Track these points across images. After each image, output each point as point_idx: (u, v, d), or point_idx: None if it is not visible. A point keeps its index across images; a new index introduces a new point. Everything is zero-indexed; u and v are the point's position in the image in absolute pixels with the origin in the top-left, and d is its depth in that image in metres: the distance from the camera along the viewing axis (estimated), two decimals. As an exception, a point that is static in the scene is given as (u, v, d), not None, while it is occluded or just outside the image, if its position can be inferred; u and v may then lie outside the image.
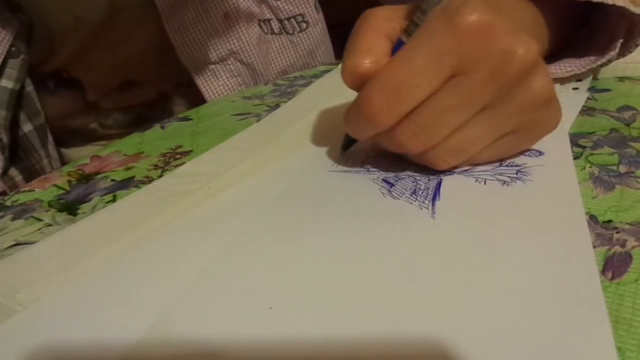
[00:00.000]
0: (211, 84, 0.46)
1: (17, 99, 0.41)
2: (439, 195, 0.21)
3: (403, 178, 0.23)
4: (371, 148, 0.27)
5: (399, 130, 0.21)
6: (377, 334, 0.15)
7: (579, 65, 0.32)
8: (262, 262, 0.18)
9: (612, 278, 0.16)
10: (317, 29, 0.50)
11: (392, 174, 0.24)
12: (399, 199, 0.22)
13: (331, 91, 0.38)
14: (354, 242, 0.19)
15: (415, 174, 0.23)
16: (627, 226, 0.19)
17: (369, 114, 0.21)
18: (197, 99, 0.48)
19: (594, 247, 0.18)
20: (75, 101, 0.47)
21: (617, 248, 0.18)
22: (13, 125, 0.42)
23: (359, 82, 0.22)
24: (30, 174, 0.44)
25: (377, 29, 0.22)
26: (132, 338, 0.15)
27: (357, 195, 0.22)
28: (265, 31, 0.48)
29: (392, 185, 0.23)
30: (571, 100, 0.30)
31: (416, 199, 0.21)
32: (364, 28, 0.22)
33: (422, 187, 0.22)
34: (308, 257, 0.18)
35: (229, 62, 0.46)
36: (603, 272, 0.16)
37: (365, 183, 0.23)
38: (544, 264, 0.17)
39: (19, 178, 0.43)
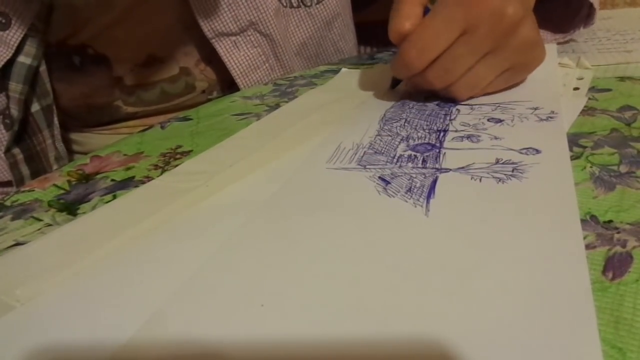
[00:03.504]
0: (233, 55, 0.48)
1: (32, 78, 0.42)
2: (433, 193, 0.21)
3: (399, 176, 0.23)
4: (411, 87, 0.34)
5: (428, 73, 0.30)
6: (370, 331, 0.14)
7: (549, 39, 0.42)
8: (257, 259, 0.18)
9: (613, 278, 0.16)
10: (334, 1, 0.52)
11: (388, 172, 0.24)
12: (394, 196, 0.21)
13: (332, 95, 0.38)
14: (348, 239, 0.19)
15: (411, 172, 0.23)
16: (627, 226, 0.18)
17: (406, 62, 0.30)
18: (216, 75, 0.50)
19: (595, 247, 0.18)
20: (101, 78, 0.48)
21: (618, 248, 0.17)
22: (24, 104, 0.43)
23: (401, 39, 0.30)
24: (31, 155, 0.45)
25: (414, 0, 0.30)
26: (127, 335, 0.15)
27: (352, 193, 0.22)
28: (285, 4, 0.49)
29: (387, 182, 0.23)
30: (571, 102, 0.30)
31: (411, 196, 0.21)
32: None
33: (418, 185, 0.22)
34: (302, 255, 0.18)
35: (249, 33, 0.48)
36: (604, 272, 0.16)
37: (361, 180, 0.23)
38: (535, 262, 0.17)
39: (20, 157, 0.44)
